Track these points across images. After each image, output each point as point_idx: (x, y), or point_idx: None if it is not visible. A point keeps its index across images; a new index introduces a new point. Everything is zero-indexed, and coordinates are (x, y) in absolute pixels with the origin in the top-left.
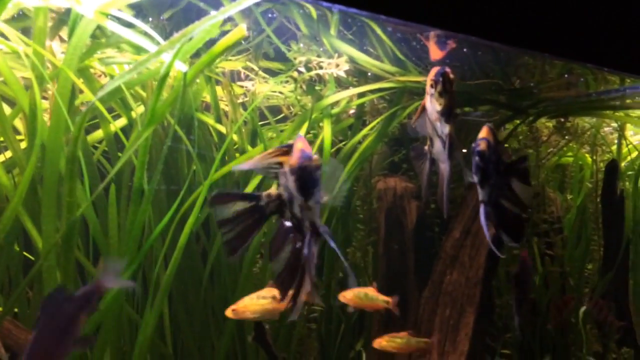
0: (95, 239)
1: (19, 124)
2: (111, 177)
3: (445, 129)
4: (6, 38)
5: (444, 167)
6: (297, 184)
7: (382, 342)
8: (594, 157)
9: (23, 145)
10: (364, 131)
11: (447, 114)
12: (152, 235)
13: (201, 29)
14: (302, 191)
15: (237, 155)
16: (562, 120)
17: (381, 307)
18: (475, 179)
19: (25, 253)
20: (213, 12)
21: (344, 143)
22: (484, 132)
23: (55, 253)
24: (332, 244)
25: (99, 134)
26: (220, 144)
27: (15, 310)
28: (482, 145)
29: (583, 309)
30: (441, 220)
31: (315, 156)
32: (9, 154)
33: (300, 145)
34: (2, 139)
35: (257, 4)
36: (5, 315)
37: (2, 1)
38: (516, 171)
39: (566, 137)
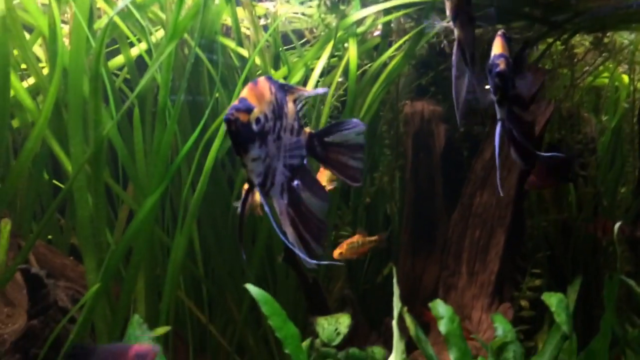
0: (123, 163)
1: (39, 51)
2: (137, 93)
3: (455, 32)
4: None
5: (453, 72)
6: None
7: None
8: (632, 76)
9: (45, 72)
10: (390, 51)
11: (454, 17)
12: (179, 155)
13: None
14: (233, 146)
15: None
16: (600, 35)
17: (370, 245)
18: (494, 98)
19: (55, 181)
20: None
21: (369, 65)
22: (499, 46)
23: (84, 174)
24: (266, 208)
25: (120, 59)
26: (242, 68)
27: (49, 237)
28: (501, 65)
29: (618, 225)
30: (470, 144)
31: (256, 108)
32: (32, 80)
33: (244, 92)
34: (24, 65)
35: None
36: (37, 238)
37: None
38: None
39: (603, 54)
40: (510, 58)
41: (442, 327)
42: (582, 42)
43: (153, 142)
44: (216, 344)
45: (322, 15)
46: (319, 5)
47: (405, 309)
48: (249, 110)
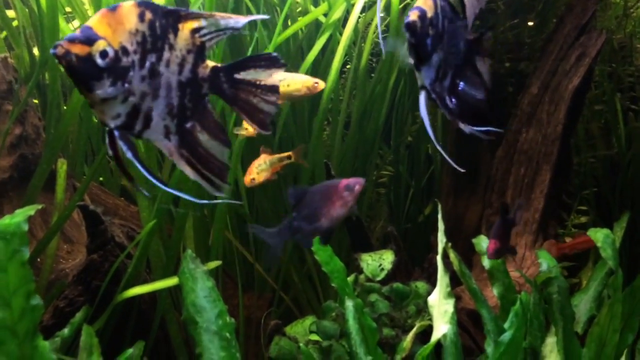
0: None
1: None
2: None
3: None
4: None
5: None
6: None
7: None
8: None
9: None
10: None
11: None
12: None
13: None
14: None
15: (300, 18)
16: None
17: (283, 163)
18: (410, 60)
19: None
20: None
21: None
22: (421, 2)
23: None
24: (129, 154)
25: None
26: (281, 5)
27: (101, 178)
28: (412, 16)
29: None
30: (516, 79)
31: (103, 40)
32: (76, 23)
33: (92, 20)
34: (69, 9)
35: None
36: (92, 179)
37: None
38: (477, 48)
39: None
40: (434, 12)
41: (486, 262)
42: None
43: None
44: (262, 281)
45: None
46: None
47: (450, 244)
48: (89, 41)
